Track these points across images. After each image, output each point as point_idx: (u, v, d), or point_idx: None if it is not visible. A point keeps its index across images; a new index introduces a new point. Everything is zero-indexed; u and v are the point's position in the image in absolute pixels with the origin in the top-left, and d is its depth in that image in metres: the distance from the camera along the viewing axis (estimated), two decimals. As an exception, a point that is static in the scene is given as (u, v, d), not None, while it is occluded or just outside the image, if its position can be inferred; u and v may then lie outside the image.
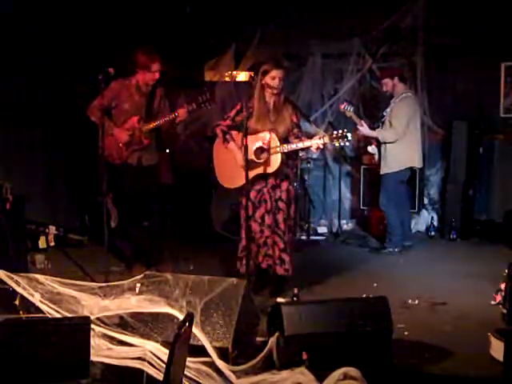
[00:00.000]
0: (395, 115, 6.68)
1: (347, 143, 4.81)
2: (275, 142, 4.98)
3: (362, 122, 6.89)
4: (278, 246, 5.14)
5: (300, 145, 4.97)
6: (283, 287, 5.21)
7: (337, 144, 4.83)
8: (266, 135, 5.01)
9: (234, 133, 5.24)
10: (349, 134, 4.76)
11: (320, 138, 4.85)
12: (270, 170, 5.05)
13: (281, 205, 5.13)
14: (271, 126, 5.06)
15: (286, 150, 4.99)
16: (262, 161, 5.03)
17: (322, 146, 4.90)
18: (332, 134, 4.82)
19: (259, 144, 5.03)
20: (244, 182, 4.88)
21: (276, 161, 5.01)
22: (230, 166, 5.19)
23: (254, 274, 5.21)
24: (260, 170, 5.07)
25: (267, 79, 5.06)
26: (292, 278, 5.23)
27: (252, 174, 5.02)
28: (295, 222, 5.49)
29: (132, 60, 5.66)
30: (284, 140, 5.06)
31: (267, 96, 5.12)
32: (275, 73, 5.04)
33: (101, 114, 5.29)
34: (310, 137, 5.07)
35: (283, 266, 5.15)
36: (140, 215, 5.87)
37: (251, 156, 4.99)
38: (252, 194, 5.14)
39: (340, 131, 4.79)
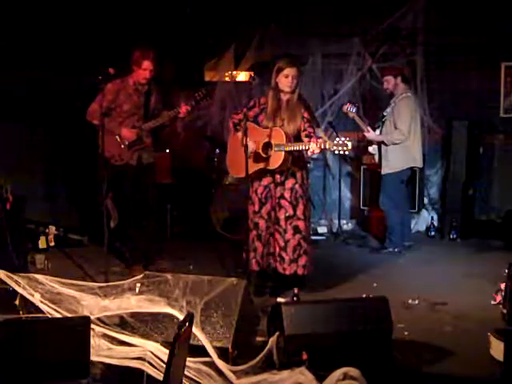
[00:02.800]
0: (398, 116, 6.68)
1: (346, 152, 4.79)
2: (281, 140, 4.98)
3: (368, 127, 6.89)
4: (278, 243, 5.15)
5: (297, 146, 4.94)
6: (283, 286, 5.19)
7: (336, 152, 4.81)
8: (275, 131, 5.02)
9: (251, 125, 5.14)
10: (349, 143, 4.73)
11: (320, 144, 4.82)
12: (272, 166, 5.05)
13: (283, 202, 5.13)
14: (281, 123, 5.08)
15: (286, 149, 4.97)
16: (266, 156, 5.04)
17: (318, 151, 4.87)
18: (333, 140, 4.80)
19: (267, 139, 5.03)
20: (250, 172, 4.95)
21: (278, 158, 5.01)
22: (239, 156, 5.16)
23: (256, 274, 5.21)
24: (263, 165, 5.09)
25: (280, 77, 5.05)
26: (294, 280, 5.21)
27: (256, 167, 5.08)
28: (307, 222, 5.38)
29: (130, 58, 5.67)
30: (294, 138, 5.06)
31: (281, 93, 5.11)
32: (288, 71, 5.03)
33: (101, 117, 5.28)
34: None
35: (282, 264, 5.14)
36: (140, 214, 5.88)
37: (259, 150, 5.04)
38: (259, 190, 5.17)
39: (342, 139, 4.75)
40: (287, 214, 5.12)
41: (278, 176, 5.13)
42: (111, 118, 5.65)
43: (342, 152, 4.78)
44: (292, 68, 5.04)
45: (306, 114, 5.13)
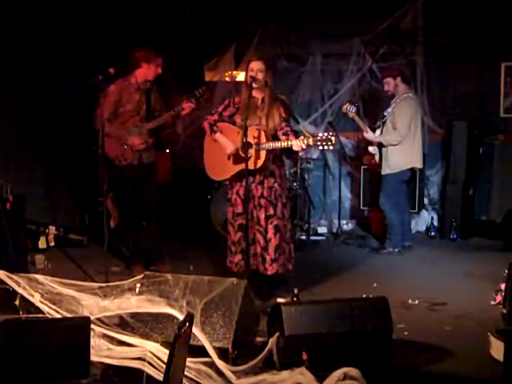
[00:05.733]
0: (397, 117, 6.68)
1: (331, 147, 4.73)
2: (260, 139, 4.90)
3: (367, 127, 6.88)
4: (259, 243, 5.05)
5: (280, 144, 4.88)
6: (272, 287, 5.14)
7: (320, 147, 4.76)
8: (253, 131, 4.92)
9: (224, 124, 5.16)
10: (333, 138, 4.68)
11: (303, 140, 4.75)
12: (255, 166, 4.95)
13: (262, 202, 5.05)
14: (258, 122, 5.00)
15: (269, 148, 4.90)
16: (248, 156, 4.89)
17: (303, 147, 4.81)
18: (316, 136, 4.75)
19: (245, 139, 4.86)
20: (230, 175, 5.00)
21: (260, 158, 4.93)
22: (217, 158, 5.13)
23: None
24: (245, 166, 4.89)
25: (248, 72, 4.99)
26: (288, 279, 5.23)
27: (237, 168, 5.03)
28: (291, 222, 5.30)
29: (133, 57, 5.66)
30: (272, 136, 4.99)
31: (254, 91, 5.03)
32: (253, 64, 4.98)
33: (103, 121, 5.26)
34: (298, 136, 4.96)
35: (264, 264, 5.03)
36: (140, 214, 5.88)
37: (238, 150, 4.98)
38: (241, 191, 5.09)
39: (325, 134, 4.71)
40: (267, 214, 5.04)
41: (258, 175, 5.05)
42: (117, 122, 5.63)
43: (326, 147, 4.73)
44: (256, 61, 4.98)
45: (283, 113, 5.07)
